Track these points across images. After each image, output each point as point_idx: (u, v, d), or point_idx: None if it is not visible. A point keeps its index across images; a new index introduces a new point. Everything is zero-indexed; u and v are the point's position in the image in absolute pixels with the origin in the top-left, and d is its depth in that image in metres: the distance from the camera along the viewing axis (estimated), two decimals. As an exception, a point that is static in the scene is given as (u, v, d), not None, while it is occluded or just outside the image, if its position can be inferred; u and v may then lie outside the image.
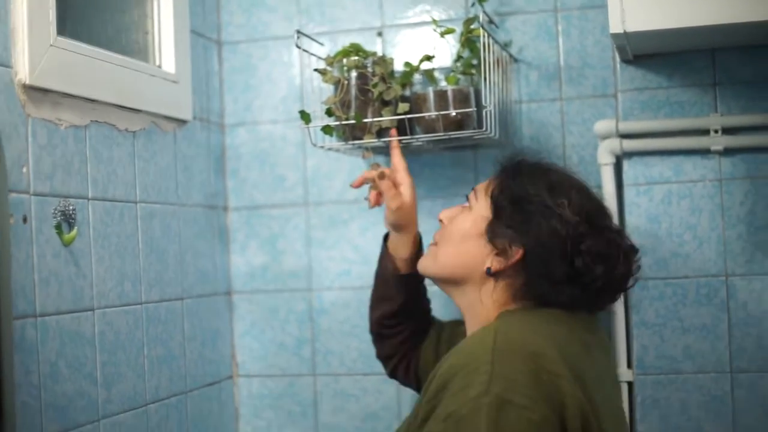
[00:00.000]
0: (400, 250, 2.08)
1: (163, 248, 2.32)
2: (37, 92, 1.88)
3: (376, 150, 2.33)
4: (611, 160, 2.32)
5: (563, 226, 1.69)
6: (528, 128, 2.44)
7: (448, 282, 1.86)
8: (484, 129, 2.17)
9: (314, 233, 2.59)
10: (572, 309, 1.73)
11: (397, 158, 2.11)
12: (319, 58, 2.31)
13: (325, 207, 2.58)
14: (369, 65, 2.24)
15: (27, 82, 1.84)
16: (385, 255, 2.12)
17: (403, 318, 2.12)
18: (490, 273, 1.74)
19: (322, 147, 2.30)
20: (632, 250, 1.80)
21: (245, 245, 2.64)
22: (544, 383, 1.51)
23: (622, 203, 2.33)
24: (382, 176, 2.07)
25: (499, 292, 1.75)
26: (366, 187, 2.16)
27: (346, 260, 2.56)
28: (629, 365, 2.33)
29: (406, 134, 2.23)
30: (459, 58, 2.33)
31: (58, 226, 1.93)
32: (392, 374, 2.18)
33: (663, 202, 2.30)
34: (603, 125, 2.32)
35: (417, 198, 2.09)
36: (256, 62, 2.63)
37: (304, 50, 2.27)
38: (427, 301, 2.18)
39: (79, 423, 1.97)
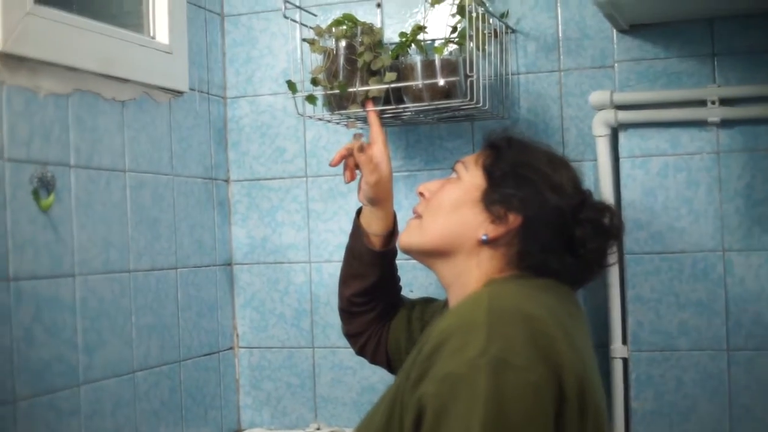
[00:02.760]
0: (375, 225, 2.05)
1: (155, 218, 2.33)
2: (11, 59, 1.90)
3: (362, 120, 2.30)
4: (606, 131, 2.28)
5: (563, 196, 1.69)
6: (525, 100, 2.41)
7: (435, 254, 1.81)
8: (469, 99, 2.14)
9: (313, 205, 2.59)
10: (561, 280, 1.71)
11: (377, 132, 2.08)
12: (310, 28, 2.29)
13: (324, 179, 2.57)
14: (358, 35, 2.22)
15: (1, 49, 1.86)
16: (358, 231, 2.07)
17: (374, 296, 2.08)
18: (486, 241, 1.71)
19: (310, 117, 2.29)
20: (622, 227, 1.82)
21: (246, 217, 2.65)
22: (541, 345, 1.48)
23: (618, 176, 2.28)
24: (362, 148, 2.05)
25: (492, 261, 1.72)
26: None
27: (345, 233, 2.52)
28: (624, 341, 2.29)
29: (392, 104, 2.20)
30: (454, 29, 2.30)
31: (35, 192, 1.95)
32: (360, 352, 2.14)
33: (659, 175, 2.25)
34: (598, 96, 2.27)
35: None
36: (258, 34, 2.63)
37: (292, 20, 2.26)
38: (398, 279, 2.14)
39: (56, 387, 1.99)
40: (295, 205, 2.61)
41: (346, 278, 2.11)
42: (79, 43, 2.07)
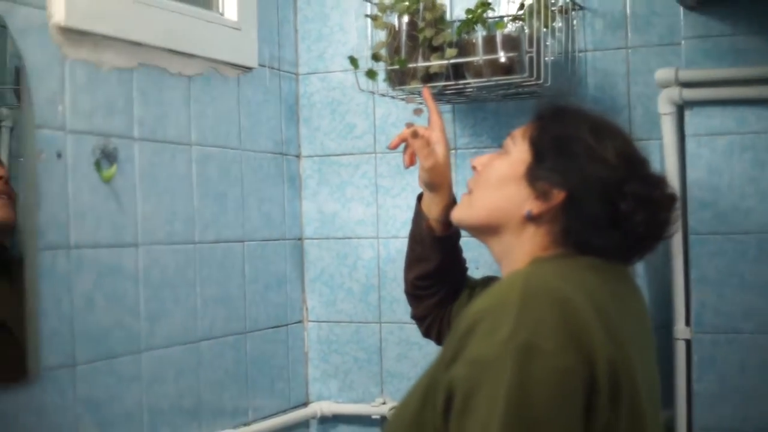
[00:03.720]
0: (434, 210, 2.04)
1: (222, 191, 2.38)
2: (74, 34, 1.96)
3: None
4: (671, 109, 2.24)
5: (607, 169, 1.62)
6: (593, 77, 2.38)
7: (484, 230, 1.78)
8: (529, 75, 2.12)
9: (382, 181, 2.61)
10: (609, 257, 1.66)
11: (435, 116, 2.07)
12: (374, 4, 2.31)
13: (392, 156, 2.59)
14: (420, 11, 2.22)
15: (63, 24, 1.92)
16: (419, 215, 2.08)
17: (437, 279, 2.08)
18: (530, 217, 1.66)
19: (372, 92, 2.31)
20: (674, 198, 1.72)
21: (316, 192, 2.69)
22: (573, 330, 1.45)
23: (684, 155, 2.24)
24: (415, 135, 2.04)
25: (537, 238, 1.67)
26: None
27: (412, 209, 2.54)
28: (687, 322, 2.25)
29: (452, 80, 2.21)
30: (521, 6, 2.28)
31: (96, 163, 2.01)
32: (426, 334, 2.15)
33: (725, 154, 2.20)
34: (663, 74, 2.24)
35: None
36: (329, 11, 2.66)
37: (354, -6, 2.28)
38: (463, 261, 2.13)
39: (117, 353, 2.05)
40: (364, 181, 2.63)
41: (409, 262, 2.12)
42: (144, 18, 2.12)
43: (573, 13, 2.38)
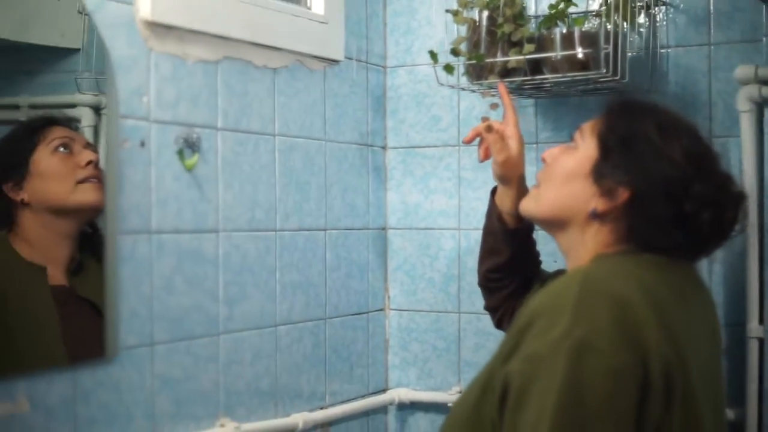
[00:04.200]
0: (506, 203, 2.07)
1: (305, 180, 2.45)
2: (159, 28, 2.04)
3: (494, 90, 2.34)
4: (751, 107, 2.23)
5: (673, 168, 1.61)
6: (674, 74, 2.38)
7: (550, 224, 1.81)
8: (605, 71, 2.14)
9: (465, 174, 2.65)
10: (674, 255, 1.65)
11: (510, 112, 2.10)
12: (457, -1, 2.35)
13: (475, 149, 2.58)
14: (500, 6, 2.25)
15: (149, 18, 2.00)
16: (492, 209, 2.12)
17: (509, 272, 2.12)
18: (594, 214, 1.67)
19: (452, 87, 2.35)
20: (742, 197, 1.70)
21: (401, 183, 2.74)
22: (628, 330, 1.47)
23: (763, 152, 2.23)
24: (489, 129, 2.08)
25: (601, 235, 1.68)
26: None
27: (493, 202, 2.60)
28: (761, 321, 2.24)
29: (533, 75, 2.24)
30: (606, 1, 2.29)
31: (179, 152, 2.10)
32: (498, 326, 2.19)
33: (804, 153, 2.18)
34: (743, 71, 2.23)
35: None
36: (417, 6, 2.70)
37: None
38: (536, 254, 2.16)
39: (195, 335, 2.14)
40: (447, 173, 2.68)
41: (482, 254, 2.17)
42: (229, 12, 2.19)
43: (656, 9, 2.37)
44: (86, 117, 1.98)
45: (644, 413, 1.45)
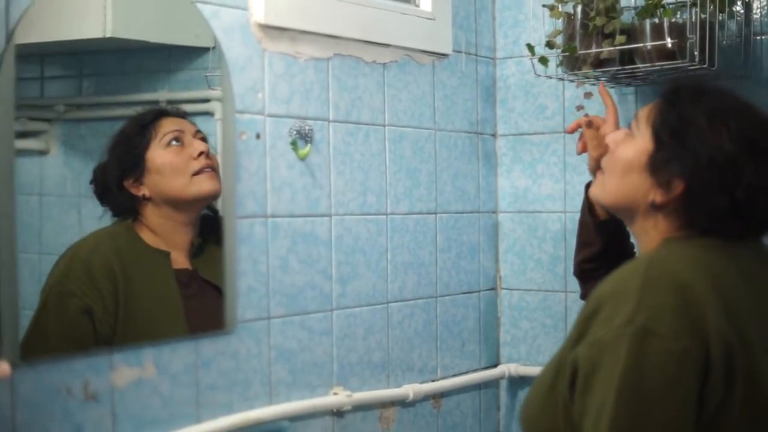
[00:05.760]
0: None
1: (415, 167, 2.62)
2: (272, 30, 2.24)
3: (591, 80, 2.47)
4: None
5: (722, 156, 1.61)
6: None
7: (617, 212, 1.86)
8: (690, 60, 2.24)
9: (570, 159, 2.77)
10: (739, 237, 1.69)
11: (610, 111, 2.21)
12: (553, -7, 2.48)
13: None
14: (594, 0, 2.37)
15: (262, 21, 2.20)
16: (585, 201, 2.23)
17: (602, 262, 2.21)
18: (654, 206, 1.71)
19: (549, 77, 2.48)
20: None
21: (510, 169, 2.88)
22: (689, 315, 1.52)
23: None
24: (589, 125, 2.20)
25: (665, 223, 1.72)
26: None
27: (597, 186, 2.71)
28: None
29: (627, 65, 2.36)
30: (697, -8, 2.39)
31: (293, 143, 2.29)
32: None
33: None
34: (831, 56, 2.28)
35: None
36: (525, -1, 2.84)
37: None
38: (630, 245, 2.23)
39: (309, 310, 2.33)
40: (553, 159, 2.80)
41: (577, 245, 2.29)
42: (339, 13, 2.38)
43: (752, -3, 2.45)
44: (218, 111, 2.17)
45: (705, 394, 1.51)
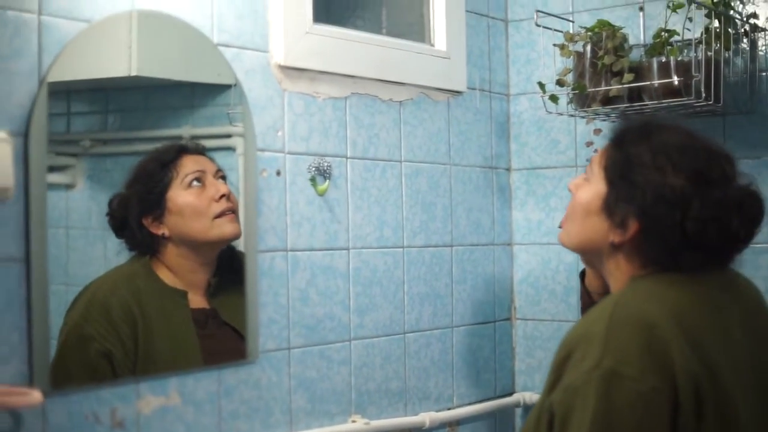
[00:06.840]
0: (594, 285, 2.19)
1: (430, 201, 2.70)
2: (292, 71, 2.33)
3: (601, 117, 2.55)
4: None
5: (668, 191, 1.64)
6: (773, 97, 2.53)
7: (584, 255, 1.91)
8: (696, 97, 2.32)
9: (582, 193, 2.84)
10: (701, 270, 1.71)
11: None
12: (558, 31, 2.57)
13: (590, 168, 2.82)
14: (603, 39, 2.46)
15: (282, 63, 2.30)
16: (583, 291, 2.25)
17: None
18: (614, 246, 1.73)
19: (559, 114, 2.56)
20: (748, 198, 1.70)
21: (524, 202, 2.96)
22: (655, 354, 1.55)
23: None
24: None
25: (629, 262, 1.74)
26: None
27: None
28: None
29: (635, 101, 2.44)
30: (707, 29, 2.46)
31: (312, 179, 2.38)
32: None
33: None
34: (834, 93, 2.36)
35: None
36: (537, 38, 2.91)
37: (545, 27, 2.54)
38: None
39: (328, 340, 2.41)
40: (566, 192, 2.85)
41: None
42: (356, 53, 2.47)
43: (756, 35, 2.52)
44: (240, 146, 2.25)
45: (677, 428, 1.54)
